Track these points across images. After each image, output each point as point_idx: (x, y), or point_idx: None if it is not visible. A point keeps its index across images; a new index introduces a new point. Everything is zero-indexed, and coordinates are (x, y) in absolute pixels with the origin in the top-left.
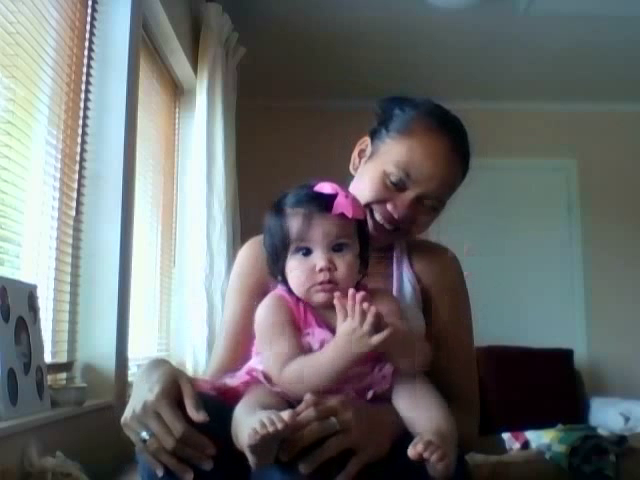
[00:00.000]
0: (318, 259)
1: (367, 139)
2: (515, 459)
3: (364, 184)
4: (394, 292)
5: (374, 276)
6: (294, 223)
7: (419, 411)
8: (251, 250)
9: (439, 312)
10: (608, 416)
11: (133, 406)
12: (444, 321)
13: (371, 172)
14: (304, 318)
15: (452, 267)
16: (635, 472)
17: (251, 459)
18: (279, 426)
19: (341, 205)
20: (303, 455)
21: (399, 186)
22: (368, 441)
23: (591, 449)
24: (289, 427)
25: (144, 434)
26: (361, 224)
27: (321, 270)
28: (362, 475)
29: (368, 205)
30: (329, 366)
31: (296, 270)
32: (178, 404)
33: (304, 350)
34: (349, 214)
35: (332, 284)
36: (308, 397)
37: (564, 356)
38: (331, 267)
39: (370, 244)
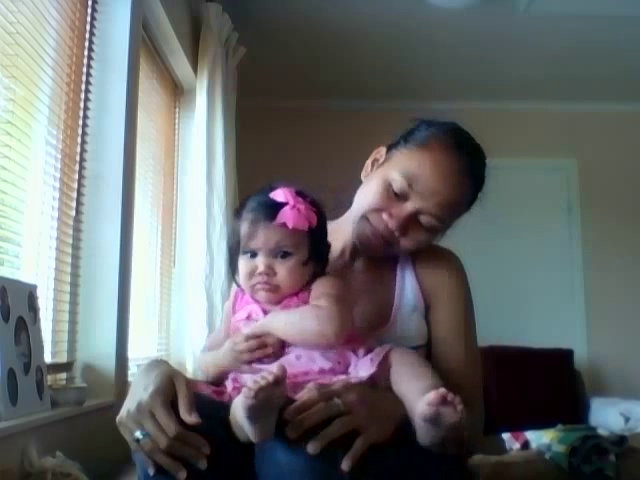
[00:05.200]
0: (259, 263)
1: (383, 149)
2: (515, 459)
3: (367, 190)
4: (395, 299)
5: (376, 283)
6: (244, 227)
7: (416, 381)
8: None
9: (442, 316)
10: (608, 416)
11: (128, 406)
12: (447, 325)
13: (377, 179)
14: (244, 300)
15: (455, 270)
16: (635, 472)
17: (250, 428)
18: (270, 378)
19: (284, 215)
20: (307, 436)
21: (399, 196)
22: (372, 422)
23: (591, 449)
24: (280, 378)
25: (138, 433)
26: (314, 232)
27: (260, 274)
28: (367, 458)
29: (368, 213)
30: (211, 365)
31: (242, 269)
32: (173, 404)
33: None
34: (290, 225)
35: (270, 286)
36: (311, 383)
37: (564, 356)
38: (269, 272)
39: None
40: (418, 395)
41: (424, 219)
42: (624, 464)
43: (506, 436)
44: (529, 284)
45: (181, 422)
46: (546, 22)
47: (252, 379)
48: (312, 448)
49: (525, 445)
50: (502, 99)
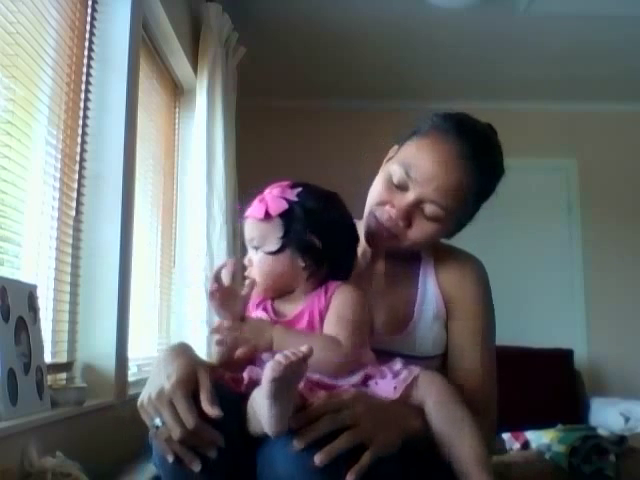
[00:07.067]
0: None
1: (396, 146)
2: (515, 459)
3: (373, 186)
4: (416, 304)
5: (397, 286)
6: None
7: (456, 437)
8: None
9: (460, 322)
10: (608, 416)
11: (149, 391)
12: (465, 331)
13: (381, 174)
14: (258, 302)
15: (476, 277)
16: (635, 472)
17: (269, 411)
18: (300, 354)
19: (249, 209)
20: (314, 446)
21: (400, 186)
22: (379, 435)
23: (591, 449)
24: (307, 357)
25: (157, 421)
26: (287, 221)
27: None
28: (374, 470)
29: (373, 208)
30: None
31: None
32: (194, 395)
33: None
34: (249, 215)
35: (250, 279)
36: (322, 392)
37: (564, 356)
38: (247, 264)
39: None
40: (455, 450)
41: (428, 209)
42: (624, 464)
43: (506, 436)
44: (529, 284)
45: (200, 413)
46: (546, 22)
47: (281, 354)
48: (319, 460)
49: (525, 445)
50: (502, 99)
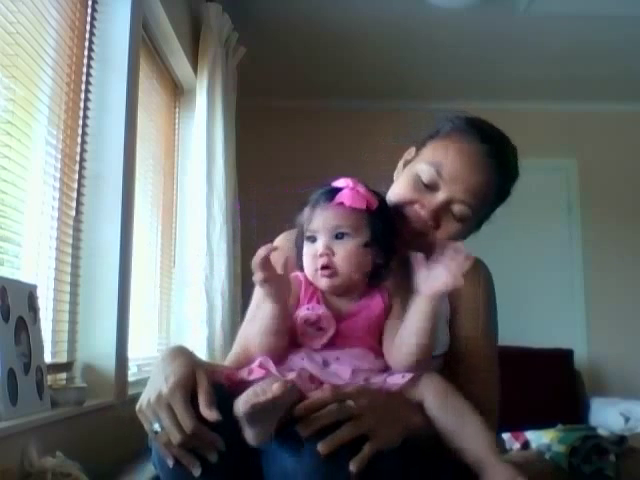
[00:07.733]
0: (319, 245)
1: (413, 148)
2: (515, 459)
3: (397, 186)
4: None
5: (403, 287)
6: (306, 213)
7: (462, 429)
8: (282, 242)
9: (461, 320)
10: (608, 416)
11: (149, 395)
12: (465, 329)
13: (406, 174)
14: (310, 296)
15: (479, 276)
16: (635, 472)
17: (247, 431)
18: (269, 396)
19: (342, 195)
20: (317, 437)
21: (430, 186)
22: (382, 428)
23: (591, 449)
24: (277, 398)
25: (156, 425)
26: (374, 216)
27: (321, 255)
28: (375, 466)
29: (399, 207)
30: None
31: (305, 255)
32: (192, 397)
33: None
34: (347, 203)
35: (331, 269)
36: (325, 385)
37: (564, 356)
38: (328, 253)
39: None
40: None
41: (456, 208)
42: (624, 464)
43: (506, 436)
44: (529, 284)
45: (199, 416)
46: (546, 22)
47: (253, 389)
48: (322, 448)
49: (525, 445)
50: (502, 99)
